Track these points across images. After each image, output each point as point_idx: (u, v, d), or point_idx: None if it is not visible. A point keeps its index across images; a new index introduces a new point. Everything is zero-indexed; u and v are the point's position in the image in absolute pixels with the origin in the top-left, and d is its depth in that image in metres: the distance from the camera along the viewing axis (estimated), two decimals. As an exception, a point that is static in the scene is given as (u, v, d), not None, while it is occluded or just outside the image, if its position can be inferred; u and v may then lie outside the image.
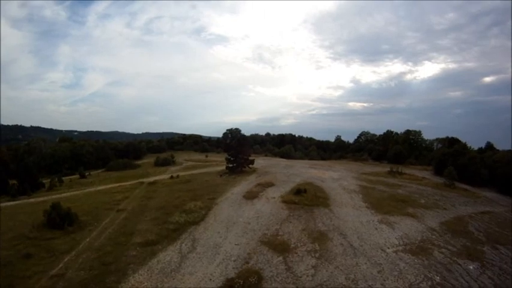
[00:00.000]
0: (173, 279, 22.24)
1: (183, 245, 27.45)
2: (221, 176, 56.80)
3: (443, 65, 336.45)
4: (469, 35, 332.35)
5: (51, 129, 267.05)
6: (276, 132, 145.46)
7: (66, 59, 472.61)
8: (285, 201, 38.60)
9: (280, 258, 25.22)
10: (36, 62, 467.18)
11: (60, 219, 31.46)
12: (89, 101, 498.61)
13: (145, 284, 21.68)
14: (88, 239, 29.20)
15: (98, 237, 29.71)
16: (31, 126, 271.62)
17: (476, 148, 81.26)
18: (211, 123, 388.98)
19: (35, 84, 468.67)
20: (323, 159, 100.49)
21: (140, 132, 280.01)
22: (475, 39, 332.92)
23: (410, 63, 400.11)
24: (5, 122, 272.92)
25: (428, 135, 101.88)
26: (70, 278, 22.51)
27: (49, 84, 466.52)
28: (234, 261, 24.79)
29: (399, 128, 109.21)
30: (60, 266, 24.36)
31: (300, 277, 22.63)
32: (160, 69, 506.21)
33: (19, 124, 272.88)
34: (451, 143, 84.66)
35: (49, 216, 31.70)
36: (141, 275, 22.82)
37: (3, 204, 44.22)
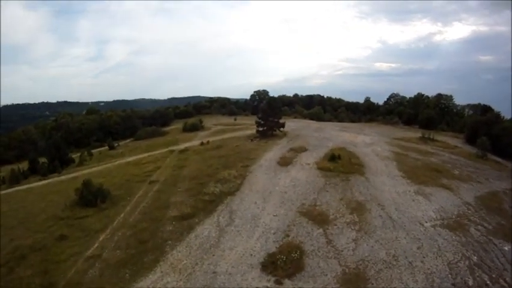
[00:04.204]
0: (213, 255, 21.13)
1: (220, 217, 26.22)
2: (252, 140, 55.02)
3: (473, 27, 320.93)
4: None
5: (77, 103, 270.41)
6: (304, 93, 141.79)
7: (87, 34, 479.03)
8: (320, 168, 36.95)
9: (320, 230, 24.05)
10: (57, 39, 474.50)
11: (92, 196, 30.84)
12: (114, 71, 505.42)
13: (185, 261, 20.69)
14: (122, 215, 28.49)
15: (132, 212, 28.87)
16: (57, 102, 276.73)
17: (508, 117, 75.60)
18: (237, 85, 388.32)
19: (57, 61, 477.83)
20: (353, 121, 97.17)
21: (166, 98, 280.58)
22: (507, 2, 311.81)
23: (439, 24, 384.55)
24: (31, 101, 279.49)
25: (457, 99, 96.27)
26: (107, 259, 21.82)
27: (72, 60, 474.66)
28: (274, 234, 23.56)
29: (427, 90, 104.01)
30: (96, 245, 23.75)
31: (342, 251, 21.57)
32: (183, 35, 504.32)
33: (45, 101, 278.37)
34: (484, 111, 79.51)
35: (81, 194, 31.14)
36: (180, 251, 21.87)
37: (34, 184, 44.61)
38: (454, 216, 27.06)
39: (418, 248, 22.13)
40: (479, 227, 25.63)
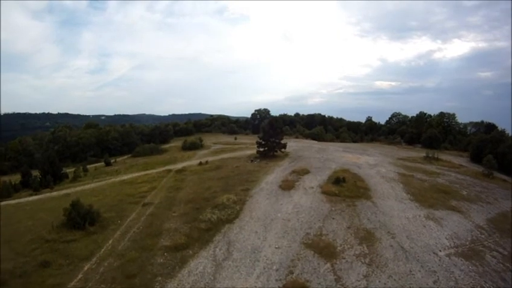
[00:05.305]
0: (208, 297, 18.77)
1: (217, 249, 23.96)
2: (252, 161, 53.28)
3: (472, 44, 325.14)
4: (500, 13, 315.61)
5: (78, 115, 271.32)
6: (305, 112, 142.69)
7: (90, 46, 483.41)
8: (325, 192, 35.18)
9: (328, 265, 21.82)
10: (61, 50, 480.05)
11: (80, 219, 28.64)
12: (115, 85, 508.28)
13: (175, 304, 18.32)
14: (110, 241, 26.33)
15: (122, 238, 26.71)
16: (58, 113, 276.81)
17: (510, 132, 74.92)
18: (238, 103, 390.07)
19: (60, 72, 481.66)
20: (354, 141, 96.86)
21: (167, 114, 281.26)
22: (506, 17, 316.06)
23: (438, 41, 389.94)
24: (32, 111, 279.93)
25: (458, 116, 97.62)
26: (89, 293, 19.51)
27: (74, 71, 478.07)
28: (277, 270, 21.25)
29: (428, 109, 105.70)
30: (80, 276, 21.50)
31: (352, 290, 19.16)
32: (184, 51, 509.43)
33: (46, 112, 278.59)
34: (488, 129, 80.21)
35: (69, 216, 28.91)
36: (170, 291, 19.45)
37: (25, 199, 42.50)
38: (468, 243, 25.49)
39: (434, 282, 20.15)
40: (495, 253, 24.24)
